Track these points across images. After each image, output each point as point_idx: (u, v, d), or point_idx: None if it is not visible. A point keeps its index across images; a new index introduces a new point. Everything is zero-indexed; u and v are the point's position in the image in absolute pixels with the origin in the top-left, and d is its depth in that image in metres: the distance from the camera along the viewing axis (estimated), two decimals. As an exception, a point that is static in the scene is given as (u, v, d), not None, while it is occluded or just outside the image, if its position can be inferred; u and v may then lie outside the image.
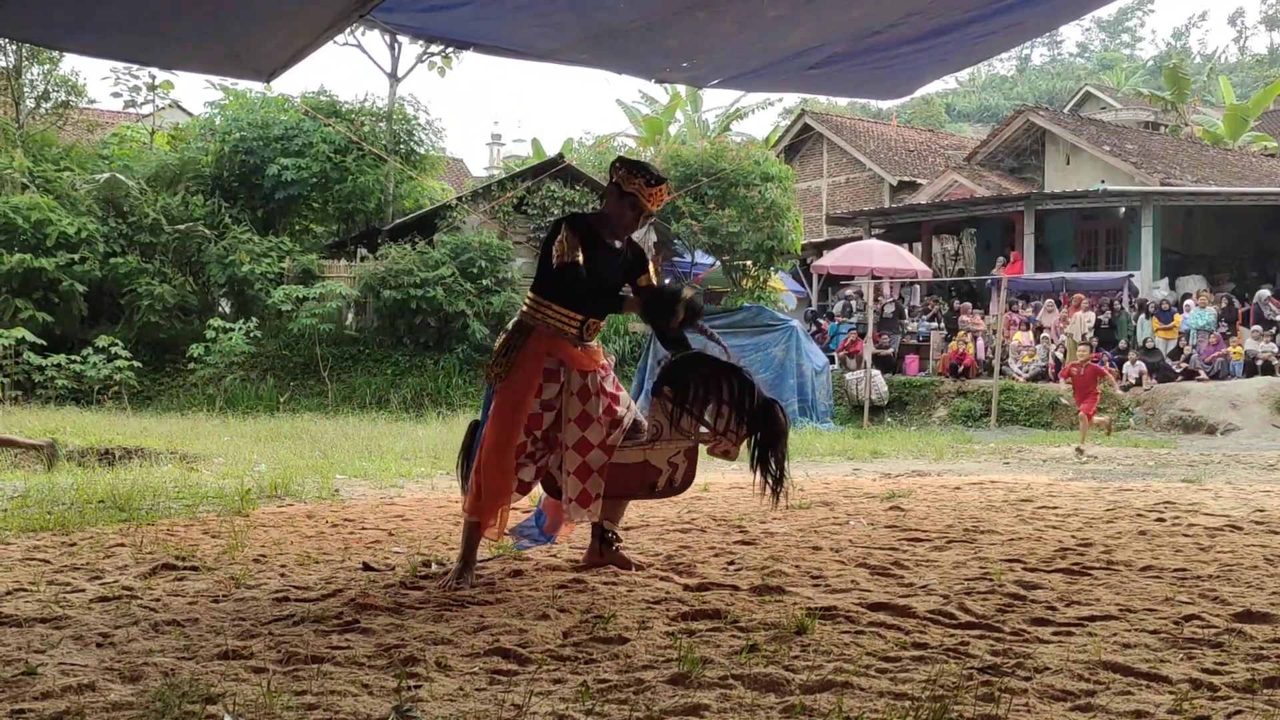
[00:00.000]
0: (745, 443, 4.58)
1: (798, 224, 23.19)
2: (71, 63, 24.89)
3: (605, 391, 4.71)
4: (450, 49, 20.63)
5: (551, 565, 4.95)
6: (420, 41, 20.12)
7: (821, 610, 3.97)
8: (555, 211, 21.05)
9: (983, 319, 21.38)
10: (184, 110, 29.93)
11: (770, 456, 4.54)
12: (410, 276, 20.17)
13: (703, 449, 4.74)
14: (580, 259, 4.49)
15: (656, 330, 4.77)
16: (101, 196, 21.27)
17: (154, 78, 24.87)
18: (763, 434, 4.55)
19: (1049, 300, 21.18)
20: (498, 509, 4.62)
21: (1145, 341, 19.72)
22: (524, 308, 4.75)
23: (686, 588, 4.45)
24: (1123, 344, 19.68)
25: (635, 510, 6.86)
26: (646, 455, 4.66)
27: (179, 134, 25.60)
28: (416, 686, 3.07)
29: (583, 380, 4.66)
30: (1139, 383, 18.28)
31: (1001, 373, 19.12)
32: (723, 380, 4.56)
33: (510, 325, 4.75)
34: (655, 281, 4.89)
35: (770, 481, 4.55)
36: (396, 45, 24.14)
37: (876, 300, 22.14)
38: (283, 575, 4.76)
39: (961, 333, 20.71)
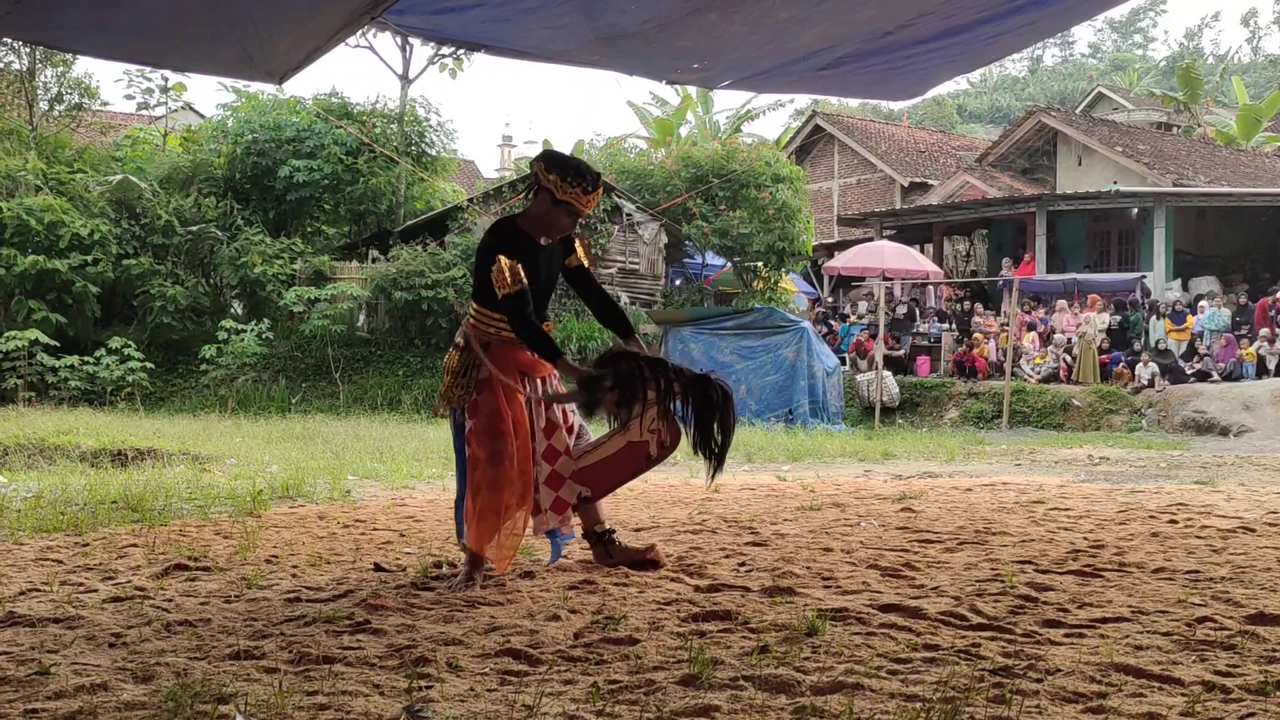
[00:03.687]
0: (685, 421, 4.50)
1: (809, 225, 23.19)
2: (85, 65, 25.02)
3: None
4: (461, 51, 20.70)
5: (562, 566, 4.95)
6: (432, 43, 20.16)
7: (832, 612, 3.96)
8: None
9: (995, 320, 21.33)
10: (196, 112, 30.03)
11: (712, 428, 4.44)
12: (422, 278, 20.21)
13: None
14: (524, 283, 4.33)
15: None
16: (114, 198, 21.36)
17: (166, 80, 25.01)
18: (699, 407, 4.43)
19: (1060, 301, 21.12)
20: (495, 530, 4.45)
21: (1158, 343, 19.66)
22: (471, 321, 4.59)
23: (697, 589, 4.45)
24: (1136, 345, 19.62)
25: (645, 512, 6.87)
26: (626, 438, 4.58)
27: (191, 136, 25.69)
28: (428, 687, 3.08)
29: (545, 387, 4.64)
30: (1151, 384, 18.22)
31: (1013, 374, 19.08)
32: (644, 367, 4.40)
33: (459, 340, 4.59)
34: (585, 261, 4.75)
35: (710, 458, 4.47)
36: (408, 47, 24.21)
37: (889, 301, 22.10)
38: (294, 576, 4.78)
39: (977, 334, 20.66)
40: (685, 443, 4.60)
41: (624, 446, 4.62)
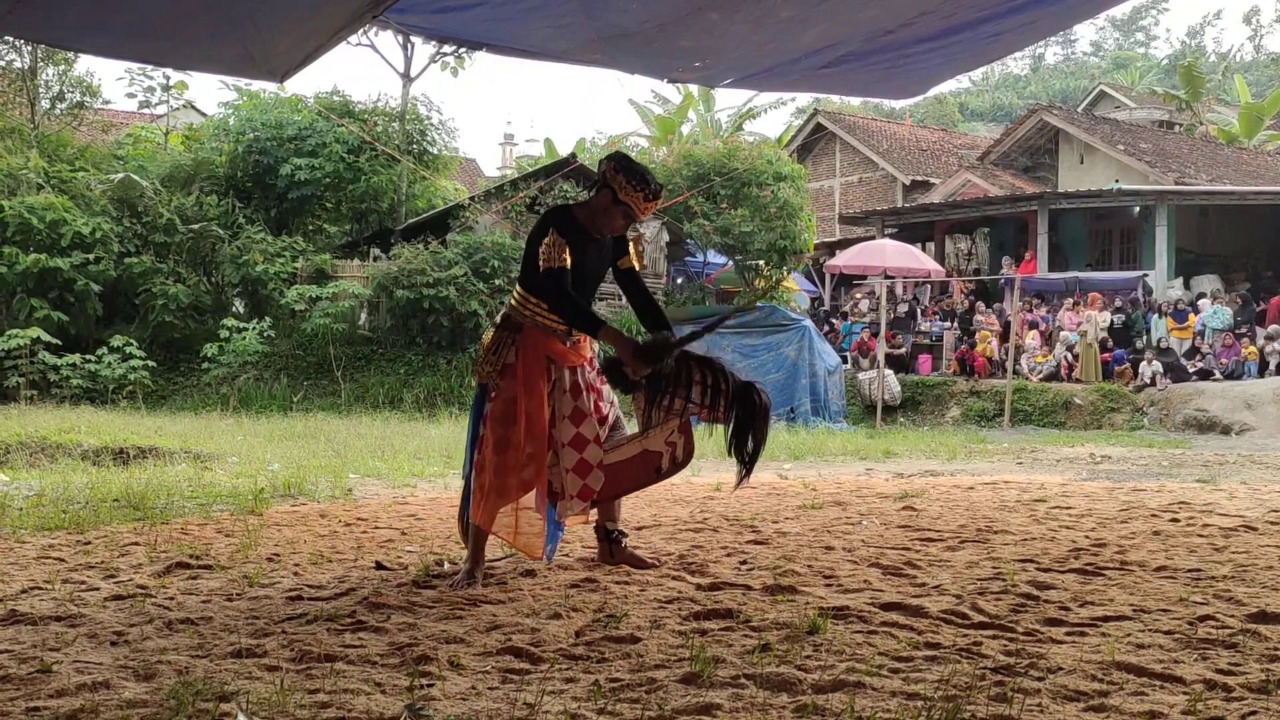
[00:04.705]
0: (725, 423, 4.54)
1: (810, 224, 23.18)
2: (86, 64, 25.04)
3: (593, 387, 4.72)
4: (463, 49, 20.68)
5: (563, 564, 4.96)
6: (433, 42, 20.15)
7: (834, 610, 3.96)
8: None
9: (996, 319, 21.33)
10: (198, 111, 30.04)
11: (749, 435, 4.51)
12: (423, 276, 20.21)
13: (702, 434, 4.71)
14: (567, 263, 4.45)
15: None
16: (116, 197, 21.37)
17: (168, 78, 25.00)
18: (740, 413, 4.50)
19: (1067, 300, 21.11)
20: (498, 509, 4.57)
21: (1159, 341, 19.65)
22: (512, 302, 4.70)
23: (699, 587, 4.45)
24: (1138, 344, 19.61)
25: (647, 510, 6.87)
26: (643, 445, 4.63)
27: (193, 134, 25.70)
28: (429, 685, 3.08)
29: (573, 376, 4.66)
30: (1153, 383, 18.21)
31: (1014, 372, 19.07)
32: (694, 365, 4.52)
33: (499, 320, 4.72)
34: (637, 264, 4.86)
35: (743, 463, 4.54)
36: (409, 45, 24.21)
37: (890, 299, 22.09)
38: (296, 574, 4.78)
39: (981, 332, 20.66)
40: (701, 446, 4.63)
41: (638, 454, 4.64)
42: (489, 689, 3.06)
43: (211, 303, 21.69)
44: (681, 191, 22.60)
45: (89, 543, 5.57)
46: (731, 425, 4.52)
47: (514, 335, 4.59)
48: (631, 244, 4.87)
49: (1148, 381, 18.27)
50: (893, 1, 5.05)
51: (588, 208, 4.66)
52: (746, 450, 4.53)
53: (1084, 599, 4.23)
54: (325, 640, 3.57)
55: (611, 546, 4.92)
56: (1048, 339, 20.23)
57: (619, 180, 4.55)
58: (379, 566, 4.91)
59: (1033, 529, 6.11)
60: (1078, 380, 19.06)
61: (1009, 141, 29.24)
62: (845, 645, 3.51)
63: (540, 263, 4.47)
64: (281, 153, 22.74)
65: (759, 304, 20.78)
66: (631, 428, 4.83)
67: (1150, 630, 3.74)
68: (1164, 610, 4.04)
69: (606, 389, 4.84)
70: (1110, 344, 19.44)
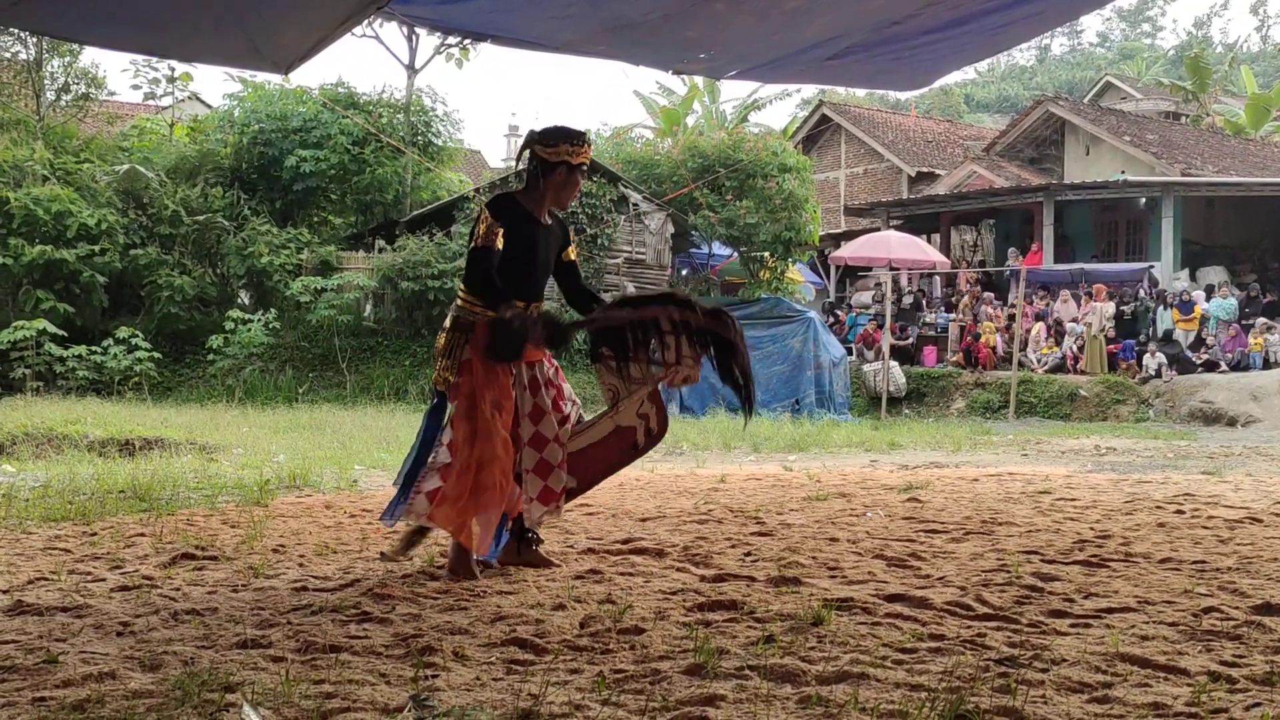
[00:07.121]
0: (702, 360, 4.48)
1: (815, 215, 23.12)
2: (91, 55, 25.06)
3: (552, 383, 4.64)
4: (468, 41, 20.65)
5: (567, 556, 4.96)
6: (438, 33, 20.12)
7: (838, 601, 3.97)
8: (572, 203, 21.01)
9: (1001, 310, 21.30)
10: (203, 102, 30.00)
11: (734, 365, 4.44)
12: (428, 268, 20.20)
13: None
14: (497, 245, 4.37)
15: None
16: (121, 188, 21.36)
17: (173, 70, 24.92)
18: (716, 346, 4.44)
19: (1064, 291, 21.07)
20: (470, 516, 4.38)
21: (1168, 333, 19.61)
22: (459, 303, 4.55)
23: (703, 579, 4.45)
24: (1143, 336, 19.57)
25: (651, 501, 6.87)
26: (615, 421, 4.55)
27: (198, 126, 25.66)
28: (434, 676, 3.09)
29: (531, 372, 4.57)
30: (1159, 374, 18.18)
31: (1020, 364, 19.05)
32: (660, 315, 4.43)
33: (448, 323, 4.55)
34: (574, 258, 4.81)
35: (743, 392, 4.47)
36: (414, 37, 24.15)
37: (895, 290, 22.07)
38: (301, 565, 4.79)
39: (987, 323, 20.63)
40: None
41: (611, 432, 4.57)
42: (493, 680, 3.07)
43: (217, 294, 21.69)
44: (687, 183, 22.57)
45: (95, 534, 5.58)
46: (714, 359, 4.45)
47: (466, 335, 4.46)
48: (572, 237, 4.83)
49: (1153, 373, 18.24)
50: (898, -8, 5.05)
51: (529, 192, 4.58)
52: (737, 377, 4.45)
53: (1088, 591, 4.24)
54: (330, 631, 3.58)
55: (521, 545, 4.75)
56: (1054, 331, 20.17)
57: (540, 148, 4.50)
58: (384, 557, 4.92)
59: (1037, 521, 6.11)
60: (1083, 372, 19.03)
61: (1015, 133, 29.18)
62: (849, 637, 3.51)
63: (473, 242, 4.42)
64: (286, 144, 22.71)
65: (763, 296, 20.75)
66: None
67: (1154, 622, 3.74)
68: (1168, 602, 4.04)
69: (568, 387, 4.76)
70: (1114, 335, 19.40)
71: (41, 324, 18.65)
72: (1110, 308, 19.93)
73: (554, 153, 4.50)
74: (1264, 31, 68.82)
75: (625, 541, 5.29)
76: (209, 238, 21.56)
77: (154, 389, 18.85)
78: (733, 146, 22.87)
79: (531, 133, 4.60)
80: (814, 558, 4.92)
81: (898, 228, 25.59)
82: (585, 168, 4.64)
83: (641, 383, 4.52)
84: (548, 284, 4.74)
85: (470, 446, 4.35)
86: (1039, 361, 19.58)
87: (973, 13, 5.36)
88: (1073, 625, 3.72)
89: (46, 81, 24.30)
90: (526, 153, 4.60)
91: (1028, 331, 20.11)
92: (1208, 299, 19.95)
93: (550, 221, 4.63)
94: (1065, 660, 3.24)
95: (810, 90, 44.10)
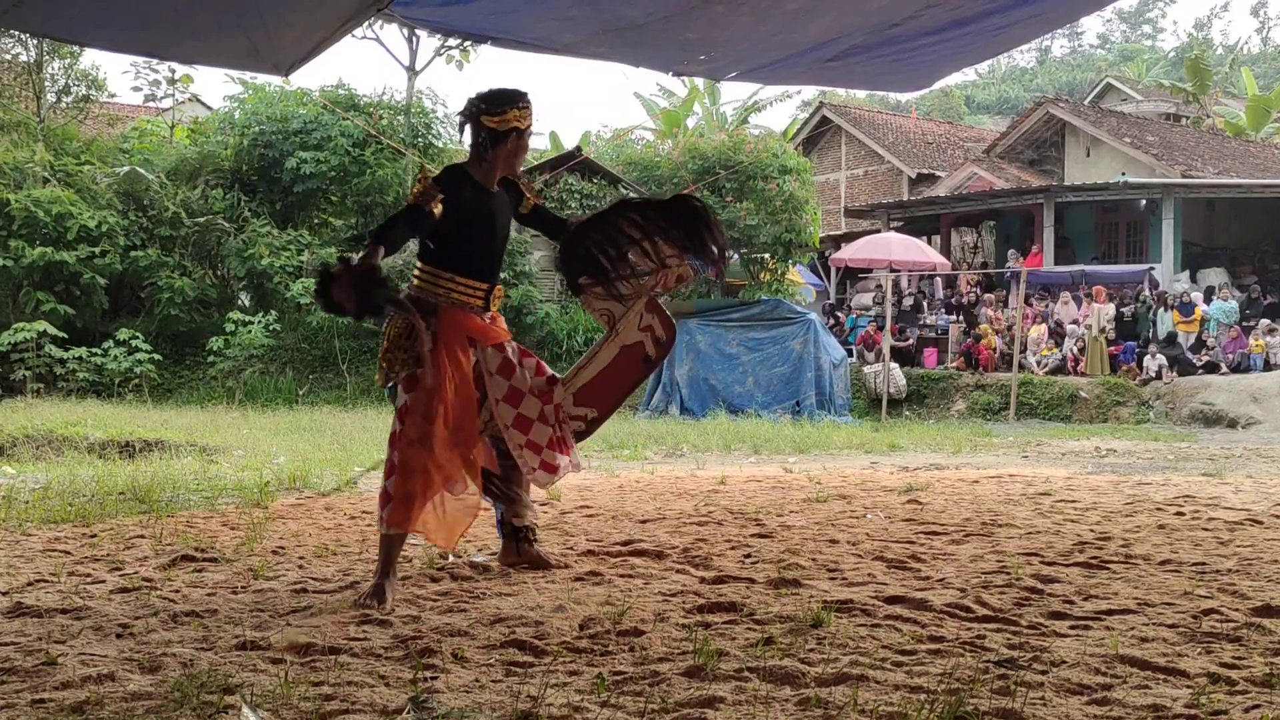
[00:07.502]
0: (682, 249, 4.42)
1: (816, 217, 23.13)
2: (92, 57, 25.02)
3: (527, 356, 4.51)
4: (468, 42, 20.65)
5: (566, 558, 4.96)
6: (438, 35, 20.14)
7: (838, 603, 3.97)
8: (573, 205, 21.02)
9: (1001, 312, 21.29)
10: (203, 104, 30.00)
11: (704, 234, 4.36)
12: (428, 270, 20.20)
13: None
14: (434, 211, 4.11)
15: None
16: (122, 190, 21.38)
17: (174, 72, 24.94)
18: (686, 225, 4.36)
19: (1064, 293, 21.05)
20: (418, 510, 4.14)
21: (1169, 335, 19.59)
22: (416, 282, 4.32)
23: (703, 580, 4.45)
24: (1144, 337, 19.56)
25: (652, 503, 6.87)
26: (619, 342, 4.46)
27: (198, 128, 25.66)
28: (433, 678, 3.08)
29: (500, 355, 4.41)
30: (1159, 376, 18.17)
31: (1020, 366, 19.04)
32: (623, 225, 4.36)
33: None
34: (534, 197, 4.59)
35: (713, 253, 4.40)
36: (414, 38, 24.15)
37: (895, 292, 22.06)
38: (301, 567, 4.79)
39: (986, 325, 20.61)
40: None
41: (618, 354, 4.48)
42: (492, 681, 3.07)
43: (217, 296, 21.70)
44: (687, 185, 22.57)
45: (95, 535, 5.58)
46: (686, 235, 4.38)
47: (428, 320, 4.14)
48: (522, 184, 4.57)
49: (1154, 375, 18.23)
50: (898, -6, 5.05)
51: (476, 162, 4.37)
52: (707, 243, 4.38)
53: (1088, 592, 4.23)
54: (329, 633, 3.57)
55: (518, 545, 4.69)
56: (1056, 333, 20.15)
57: (499, 118, 4.29)
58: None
59: (1038, 522, 6.11)
60: (1083, 374, 19.02)
61: (1015, 134, 29.17)
62: (849, 639, 3.51)
63: (407, 199, 4.20)
64: (287, 146, 22.71)
65: (763, 297, 20.73)
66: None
67: (1154, 624, 3.74)
68: (1168, 604, 4.04)
69: (544, 363, 4.61)
70: (1114, 336, 19.39)
71: (42, 326, 18.66)
72: (1110, 309, 19.92)
73: (502, 121, 4.30)
74: (1264, 33, 68.82)
75: (625, 543, 5.29)
76: (209, 239, 21.56)
77: (154, 391, 18.85)
78: (733, 148, 22.88)
79: (471, 102, 4.37)
80: (814, 559, 4.92)
81: (898, 229, 25.57)
82: (531, 130, 4.46)
83: (635, 296, 4.45)
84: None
85: (421, 446, 4.12)
86: (1039, 363, 19.57)
87: (973, 14, 5.37)
88: (1072, 627, 3.72)
89: (47, 83, 24.31)
90: (469, 125, 4.39)
91: (1027, 332, 20.10)
92: (1208, 301, 19.95)
93: (498, 189, 4.45)
94: (1065, 662, 3.24)
95: (810, 92, 44.20)
